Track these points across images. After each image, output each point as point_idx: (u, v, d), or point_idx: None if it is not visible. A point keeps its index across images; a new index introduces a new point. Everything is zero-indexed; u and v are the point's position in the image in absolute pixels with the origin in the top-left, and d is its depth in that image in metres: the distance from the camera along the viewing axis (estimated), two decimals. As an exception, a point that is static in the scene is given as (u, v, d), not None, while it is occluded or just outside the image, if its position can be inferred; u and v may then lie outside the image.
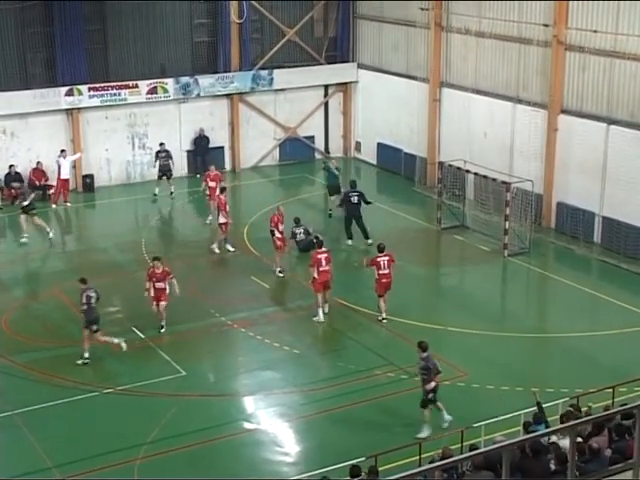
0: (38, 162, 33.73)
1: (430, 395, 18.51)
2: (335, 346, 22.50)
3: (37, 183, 33.45)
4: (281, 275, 26.57)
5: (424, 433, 18.31)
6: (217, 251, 28.46)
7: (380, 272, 23.54)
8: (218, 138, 37.26)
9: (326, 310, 23.87)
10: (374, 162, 38.22)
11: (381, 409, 19.52)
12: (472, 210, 31.14)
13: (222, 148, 37.53)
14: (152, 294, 22.90)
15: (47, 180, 33.70)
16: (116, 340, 21.67)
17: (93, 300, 21.49)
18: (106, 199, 34.32)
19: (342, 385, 20.39)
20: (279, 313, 24.54)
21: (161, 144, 34.37)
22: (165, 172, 33.94)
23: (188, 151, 36.84)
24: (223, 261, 28.30)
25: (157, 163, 34.03)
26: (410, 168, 35.81)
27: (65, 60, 34.02)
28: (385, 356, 21.71)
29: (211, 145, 36.92)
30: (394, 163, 36.81)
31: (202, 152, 36.70)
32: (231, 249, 28.56)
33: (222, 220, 28.39)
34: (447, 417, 18.69)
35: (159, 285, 22.94)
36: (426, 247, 30.38)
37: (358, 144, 39.49)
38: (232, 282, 26.27)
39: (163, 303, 22.97)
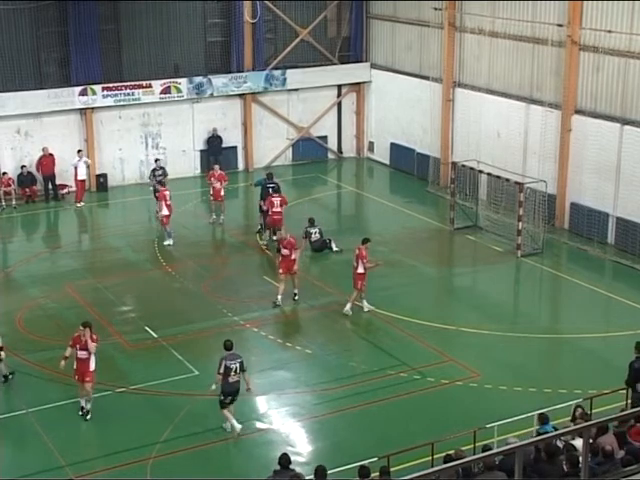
0: (44, 148, 33.62)
1: (223, 397, 18.31)
2: (347, 346, 22.50)
3: (45, 175, 33.60)
4: (278, 304, 24.36)
5: (235, 429, 18.42)
6: (170, 243, 29.01)
7: (273, 210, 28.11)
8: (231, 138, 37.33)
9: (367, 308, 24.11)
10: (387, 162, 38.21)
11: (393, 409, 19.49)
12: (485, 210, 31.09)
13: (235, 148, 37.60)
14: (74, 366, 19.01)
15: (54, 166, 33.73)
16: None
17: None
18: (119, 198, 34.44)
19: (354, 385, 20.38)
20: (291, 313, 24.55)
21: (157, 160, 33.32)
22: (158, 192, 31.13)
23: (201, 151, 36.94)
24: (236, 261, 28.35)
25: (153, 182, 32.11)
26: (423, 168, 35.78)
27: (79, 60, 34.13)
28: (397, 356, 21.69)
29: (224, 145, 37.01)
30: (407, 163, 36.80)
31: (215, 152, 36.77)
32: (169, 243, 28.90)
33: (165, 212, 28.72)
34: (237, 425, 18.39)
35: (82, 354, 18.91)
36: (439, 247, 30.34)
37: (371, 144, 39.48)
38: (245, 282, 26.28)
39: (89, 384, 19.03)
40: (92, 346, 18.88)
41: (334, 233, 29.59)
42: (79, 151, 33.68)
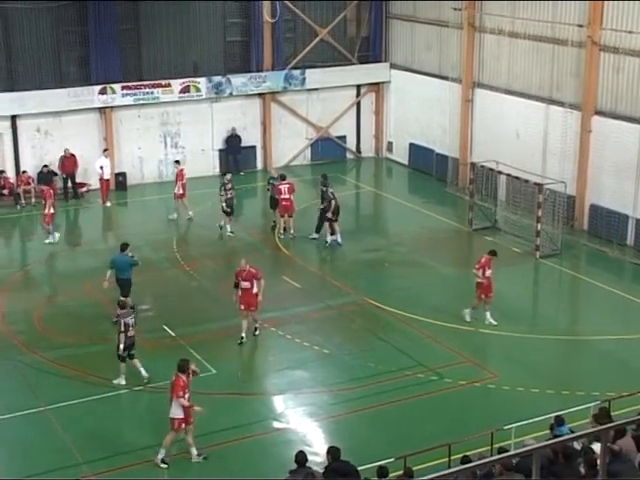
0: (65, 149, 33.75)
1: (124, 352, 20.29)
2: (365, 346, 22.49)
3: (66, 175, 33.80)
4: (243, 341, 22.33)
5: (120, 380, 20.37)
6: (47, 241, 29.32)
7: (281, 197, 29.27)
8: (250, 137, 37.39)
9: (493, 322, 23.29)
10: (406, 162, 38.18)
11: (411, 410, 19.48)
12: (504, 211, 31.01)
13: (254, 147, 37.66)
14: (182, 415, 17.63)
15: (77, 168, 33.96)
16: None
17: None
18: (138, 197, 34.55)
19: (372, 385, 20.39)
20: (310, 313, 24.56)
21: (225, 173, 31.04)
22: (231, 207, 29.92)
23: (220, 150, 37.01)
24: (254, 260, 28.36)
25: (223, 197, 29.80)
26: (442, 169, 35.74)
27: (99, 59, 34.28)
28: (415, 357, 21.68)
29: (243, 144, 37.08)
30: (426, 163, 36.76)
31: (234, 151, 36.85)
32: (50, 241, 29.23)
33: (47, 211, 29.14)
34: (144, 374, 20.47)
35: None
36: (457, 248, 30.27)
37: (390, 144, 39.45)
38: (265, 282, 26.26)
39: (190, 426, 17.84)
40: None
41: (352, 233, 29.60)
42: (105, 150, 33.81)
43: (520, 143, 32.25)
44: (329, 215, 28.80)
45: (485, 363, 21.27)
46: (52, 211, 29.18)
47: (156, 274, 27.07)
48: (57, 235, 29.44)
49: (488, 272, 23.32)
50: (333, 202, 28.73)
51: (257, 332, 22.85)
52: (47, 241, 29.31)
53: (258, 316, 22.89)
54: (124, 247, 24.06)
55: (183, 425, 17.62)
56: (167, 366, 21.19)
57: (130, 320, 20.30)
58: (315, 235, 29.42)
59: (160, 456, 17.53)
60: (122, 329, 20.13)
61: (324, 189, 29.23)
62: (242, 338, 22.37)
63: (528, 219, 29.20)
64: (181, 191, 31.48)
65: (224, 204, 29.76)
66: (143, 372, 20.48)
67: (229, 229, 30.05)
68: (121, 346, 20.12)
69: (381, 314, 24.20)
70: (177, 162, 32.72)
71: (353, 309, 24.62)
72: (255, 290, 22.31)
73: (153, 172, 35.92)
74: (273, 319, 23.73)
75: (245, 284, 22.26)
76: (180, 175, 31.61)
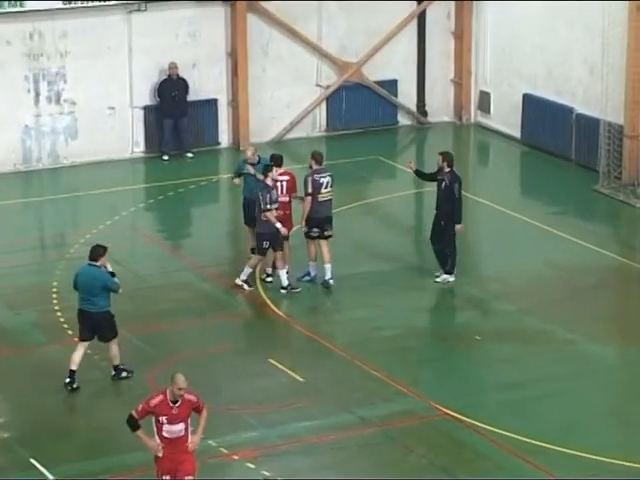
0: None
1: None
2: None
3: None
4: None
5: None
6: None
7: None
8: (206, 83, 37.68)
9: None
10: (516, 133, 38.35)
11: None
12: None
13: (214, 102, 37.89)
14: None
15: None
16: None
17: None
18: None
19: None
20: (323, 434, 24.52)
21: (267, 166, 29.98)
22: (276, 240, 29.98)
23: (146, 107, 37.23)
24: (212, 327, 28.41)
25: (273, 213, 29.70)
26: (588, 145, 35.83)
27: None
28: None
29: (191, 97, 37.30)
30: (556, 135, 36.94)
31: (174, 110, 36.95)
32: None
33: None
34: None
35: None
36: (621, 306, 30.57)
37: (484, 97, 39.61)
38: (233, 369, 26.33)
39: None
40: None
41: (412, 274, 29.66)
42: None
43: None
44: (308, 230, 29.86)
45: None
46: None
47: (19, 355, 27.11)
48: None
49: None
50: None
51: None
52: None
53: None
54: (96, 253, 25.35)
55: None
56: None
57: None
58: (448, 277, 30.03)
59: None
60: None
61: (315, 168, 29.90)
62: None
63: None
64: None
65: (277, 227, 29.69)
66: None
67: (285, 281, 29.91)
68: None
69: (466, 436, 24.23)
70: None
71: (411, 426, 24.69)
72: (190, 443, 20.28)
73: (10, 152, 36.11)
74: (250, 445, 23.72)
75: (175, 429, 20.07)
76: None
